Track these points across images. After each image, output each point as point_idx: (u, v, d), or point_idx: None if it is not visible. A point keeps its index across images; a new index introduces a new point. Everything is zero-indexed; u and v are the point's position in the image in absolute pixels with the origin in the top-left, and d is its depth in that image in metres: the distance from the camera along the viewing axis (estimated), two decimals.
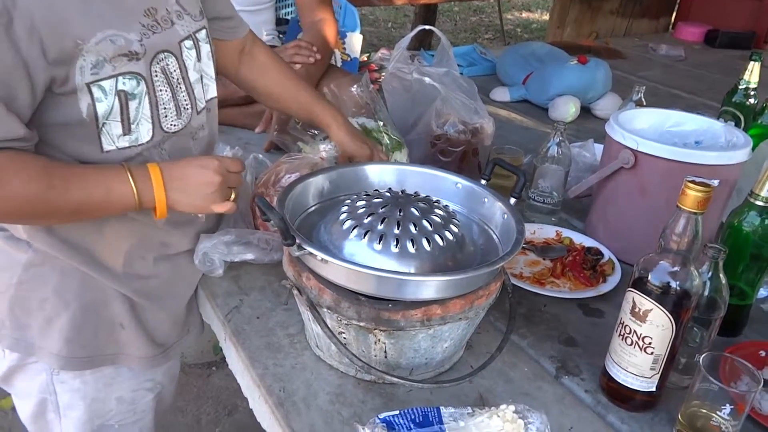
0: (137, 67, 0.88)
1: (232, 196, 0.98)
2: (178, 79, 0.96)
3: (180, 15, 0.97)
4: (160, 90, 0.93)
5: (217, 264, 1.07)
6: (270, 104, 1.38)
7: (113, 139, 0.90)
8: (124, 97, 0.88)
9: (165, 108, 0.95)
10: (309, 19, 1.71)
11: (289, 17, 2.04)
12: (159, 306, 1.06)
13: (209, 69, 1.05)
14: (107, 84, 0.86)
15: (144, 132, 0.92)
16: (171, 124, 0.97)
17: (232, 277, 1.10)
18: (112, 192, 0.88)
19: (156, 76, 0.92)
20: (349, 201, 0.92)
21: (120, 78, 0.87)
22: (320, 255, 0.81)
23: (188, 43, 0.98)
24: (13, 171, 0.81)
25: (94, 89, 0.85)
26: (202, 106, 1.04)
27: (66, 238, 0.96)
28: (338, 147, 1.22)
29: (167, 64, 0.93)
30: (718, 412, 0.77)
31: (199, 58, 1.01)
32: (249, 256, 1.08)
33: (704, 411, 0.79)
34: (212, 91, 1.07)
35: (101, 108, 0.87)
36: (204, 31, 1.03)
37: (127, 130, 0.91)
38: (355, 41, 2.07)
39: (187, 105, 0.99)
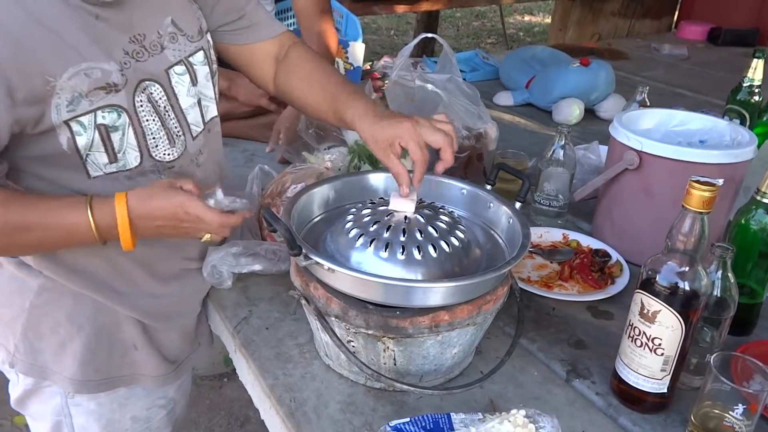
0: (117, 99, 0.86)
1: (206, 236, 0.92)
2: (165, 107, 0.94)
3: (174, 37, 0.95)
4: (147, 120, 0.91)
5: (226, 276, 1.08)
6: (310, 116, 1.23)
7: (99, 166, 0.89)
8: (104, 130, 0.86)
9: (154, 137, 0.92)
10: (309, 30, 1.73)
11: (291, 29, 2.06)
12: (171, 325, 1.06)
13: (208, 90, 1.03)
14: (85, 119, 0.84)
15: (131, 159, 0.91)
16: (165, 153, 0.95)
17: (240, 288, 1.11)
18: (71, 234, 0.86)
19: (141, 105, 0.89)
20: (354, 210, 0.92)
21: (99, 112, 0.85)
22: (327, 264, 0.81)
23: (179, 68, 0.95)
24: None
25: (73, 124, 0.84)
26: (199, 130, 1.01)
27: (73, 266, 0.96)
28: (369, 143, 0.97)
29: (151, 93, 0.91)
30: (730, 413, 0.77)
31: (194, 82, 0.99)
32: (257, 267, 1.09)
33: (717, 411, 0.79)
34: (212, 111, 1.05)
35: (81, 141, 0.85)
36: (201, 53, 1.00)
37: (113, 159, 0.89)
38: (358, 50, 2.08)
39: (179, 132, 0.96)
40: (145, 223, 0.87)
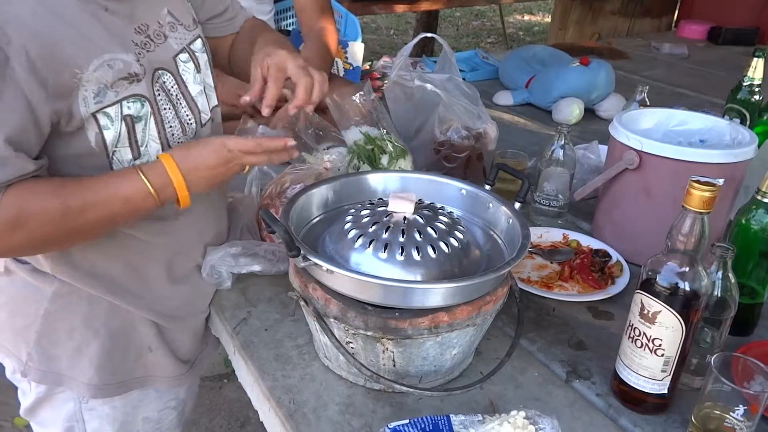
0: (139, 88, 0.88)
1: (246, 168, 0.96)
2: (177, 96, 0.95)
3: (173, 26, 0.96)
4: (164, 109, 0.92)
5: (225, 276, 1.08)
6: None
7: (124, 164, 0.89)
8: (130, 121, 0.87)
9: (171, 126, 0.94)
10: (310, 28, 1.72)
11: (290, 29, 2.05)
12: (183, 325, 1.06)
13: (209, 78, 1.05)
14: (112, 110, 0.85)
15: (153, 153, 0.91)
16: (177, 142, 0.96)
17: (239, 289, 1.11)
18: (130, 202, 0.86)
19: (159, 95, 0.91)
20: (353, 210, 0.92)
21: (124, 102, 0.86)
22: (325, 265, 0.81)
23: (183, 56, 0.97)
24: (26, 206, 0.79)
25: (100, 117, 0.84)
26: (207, 117, 1.03)
27: (91, 270, 0.96)
28: (252, 61, 1.02)
29: (164, 82, 0.92)
30: (731, 414, 0.77)
31: (198, 69, 1.00)
32: (256, 268, 1.09)
33: (717, 412, 0.78)
34: (214, 100, 1.06)
35: (109, 135, 0.86)
36: (199, 40, 1.02)
37: (137, 154, 0.90)
38: (357, 50, 2.07)
39: (190, 120, 0.98)
40: (194, 175, 0.88)
